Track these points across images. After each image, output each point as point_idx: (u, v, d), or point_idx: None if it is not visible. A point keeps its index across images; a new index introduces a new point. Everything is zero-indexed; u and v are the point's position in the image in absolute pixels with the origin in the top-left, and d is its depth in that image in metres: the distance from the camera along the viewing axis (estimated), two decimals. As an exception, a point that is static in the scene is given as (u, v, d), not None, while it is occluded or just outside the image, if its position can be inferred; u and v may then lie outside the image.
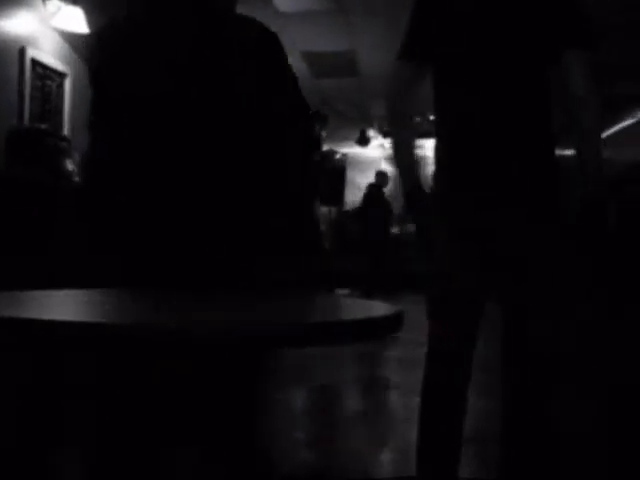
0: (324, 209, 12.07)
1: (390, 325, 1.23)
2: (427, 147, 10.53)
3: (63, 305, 1.41)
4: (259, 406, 1.99)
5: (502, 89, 1.95)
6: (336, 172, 12.16)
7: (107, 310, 1.36)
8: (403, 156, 2.12)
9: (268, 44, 1.80)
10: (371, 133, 13.00)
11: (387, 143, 14.05)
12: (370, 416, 3.69)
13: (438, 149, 2.09)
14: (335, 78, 9.44)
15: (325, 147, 11.30)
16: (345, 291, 10.74)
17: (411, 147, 2.13)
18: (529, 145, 1.96)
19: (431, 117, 11.07)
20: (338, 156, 12.98)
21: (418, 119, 10.29)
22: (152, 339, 1.00)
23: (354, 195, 13.43)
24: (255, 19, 1.83)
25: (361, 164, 15.13)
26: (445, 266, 2.06)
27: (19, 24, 4.27)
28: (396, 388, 4.39)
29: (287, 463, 2.86)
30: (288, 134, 1.82)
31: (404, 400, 3.91)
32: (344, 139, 13.02)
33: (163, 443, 1.79)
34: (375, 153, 15.12)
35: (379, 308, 1.35)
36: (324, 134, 10.14)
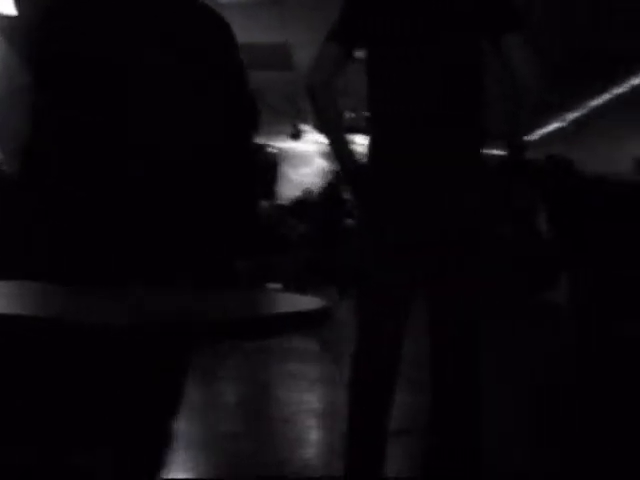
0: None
1: (316, 319, 1.21)
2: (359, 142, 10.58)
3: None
4: (181, 401, 1.95)
5: (433, 75, 1.95)
6: (269, 166, 12.13)
7: (29, 303, 1.31)
8: (332, 130, 2.13)
9: (220, 27, 1.79)
10: (305, 128, 12.97)
11: (322, 138, 14.07)
12: (298, 411, 3.66)
13: (371, 136, 2.08)
14: (268, 71, 9.38)
15: (257, 141, 11.23)
16: (278, 285, 10.71)
17: (340, 123, 2.13)
18: (458, 133, 1.96)
19: (365, 113, 11.13)
20: (271, 150, 12.94)
21: (353, 115, 10.33)
22: (69, 331, 0.97)
23: (288, 190, 13.45)
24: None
25: (295, 159, 15.13)
26: (371, 260, 2.05)
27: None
28: (324, 383, 4.38)
29: (214, 456, 2.82)
30: (231, 121, 1.81)
31: (332, 395, 3.90)
32: (278, 133, 12.97)
33: (80, 439, 1.74)
34: (309, 148, 15.13)
35: (305, 302, 1.34)
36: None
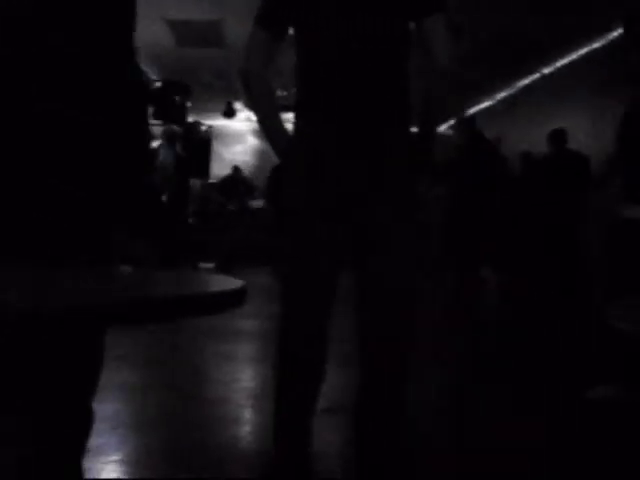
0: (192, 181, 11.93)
1: (232, 300, 1.21)
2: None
3: None
4: (97, 380, 1.93)
5: (358, 55, 1.95)
6: (202, 144, 12.01)
7: None
8: (264, 109, 2.11)
9: None
10: (237, 106, 12.87)
11: (253, 116, 13.97)
12: (226, 391, 3.67)
13: (297, 112, 2.07)
14: (200, 48, 9.26)
15: (190, 119, 11.10)
16: (210, 265, 10.65)
17: (274, 108, 2.11)
18: (383, 110, 1.98)
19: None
20: (203, 128, 12.80)
21: (285, 93, 10.27)
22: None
23: (220, 168, 13.34)
24: None
25: (227, 137, 15.01)
26: (296, 231, 2.04)
27: None
28: (258, 362, 4.39)
29: (145, 437, 2.80)
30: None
31: (266, 374, 3.92)
32: (210, 111, 12.84)
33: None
34: (242, 126, 15.02)
35: (222, 282, 1.34)
36: (188, 104, 9.95)
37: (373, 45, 1.94)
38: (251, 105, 2.14)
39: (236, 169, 12.27)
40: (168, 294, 1.23)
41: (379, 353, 2.00)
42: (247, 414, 3.27)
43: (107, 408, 3.08)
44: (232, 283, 1.29)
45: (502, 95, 10.85)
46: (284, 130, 2.08)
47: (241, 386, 3.77)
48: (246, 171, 14.10)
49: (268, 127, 2.11)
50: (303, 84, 2.04)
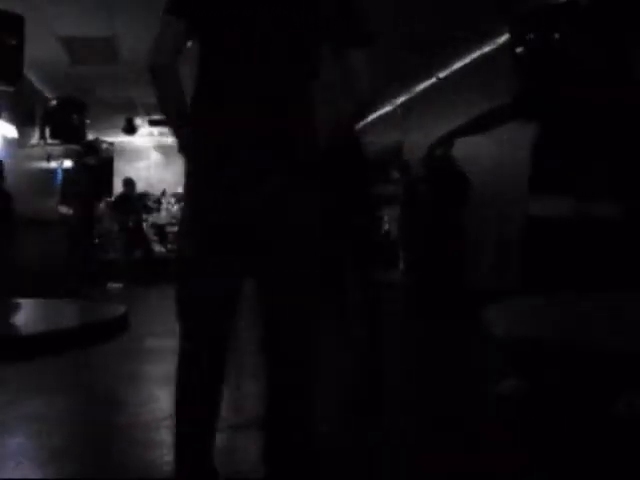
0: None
1: (115, 328, 1.20)
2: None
3: None
4: None
5: (264, 67, 1.93)
6: (103, 163, 11.71)
7: None
8: (171, 104, 2.02)
9: None
10: (138, 121, 12.67)
11: (156, 131, 13.79)
12: (139, 414, 3.59)
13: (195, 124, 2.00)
14: (95, 65, 9.07)
15: (90, 136, 10.86)
16: (118, 285, 10.44)
17: (183, 105, 2.00)
18: (286, 127, 1.93)
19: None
20: (105, 146, 12.52)
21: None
22: None
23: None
24: None
25: (130, 153, 14.77)
26: (191, 252, 1.97)
27: None
28: (163, 380, 4.31)
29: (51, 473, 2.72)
30: None
31: (172, 392, 3.85)
32: (111, 128, 12.60)
33: None
34: (144, 142, 14.82)
35: (104, 311, 1.32)
36: (87, 121, 9.73)
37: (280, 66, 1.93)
38: (158, 101, 2.06)
39: (127, 183, 11.75)
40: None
41: (279, 367, 1.98)
42: (162, 436, 3.19)
43: (11, 443, 2.97)
44: (113, 311, 1.27)
45: (401, 100, 11.03)
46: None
47: (155, 407, 3.69)
48: (151, 187, 13.92)
49: (174, 124, 2.04)
50: (203, 85, 1.98)
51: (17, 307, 1.56)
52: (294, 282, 1.96)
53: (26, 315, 1.46)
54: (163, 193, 13.89)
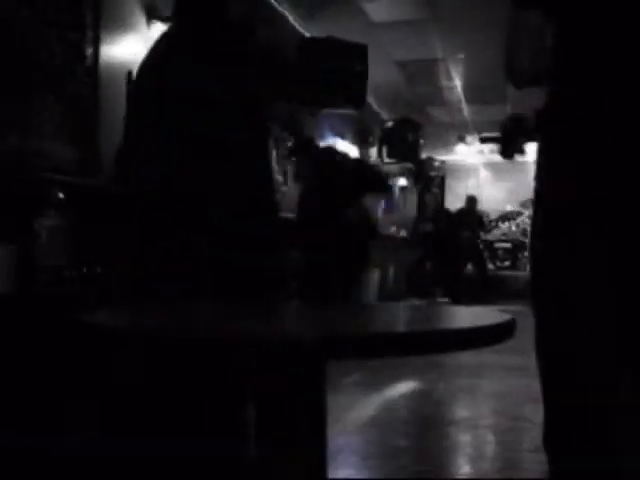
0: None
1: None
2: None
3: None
4: None
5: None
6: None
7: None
8: None
9: None
10: (469, 139, 12.88)
11: (486, 149, 13.91)
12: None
13: None
14: (428, 86, 9.42)
15: (424, 155, 11.28)
16: (445, 300, 10.65)
17: None
18: None
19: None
20: (437, 164, 12.92)
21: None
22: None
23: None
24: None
25: (460, 171, 15.03)
26: None
27: (124, 47, 4.47)
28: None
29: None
30: None
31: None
32: (443, 146, 12.97)
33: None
34: (474, 160, 14.97)
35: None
36: (422, 141, 10.09)
37: None
38: None
39: (469, 200, 12.14)
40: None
41: None
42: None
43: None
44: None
45: None
46: None
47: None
48: (480, 204, 14.03)
49: None
50: None
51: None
52: None
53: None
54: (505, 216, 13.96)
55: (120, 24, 4.40)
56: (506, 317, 1.26)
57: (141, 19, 4.64)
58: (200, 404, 1.87)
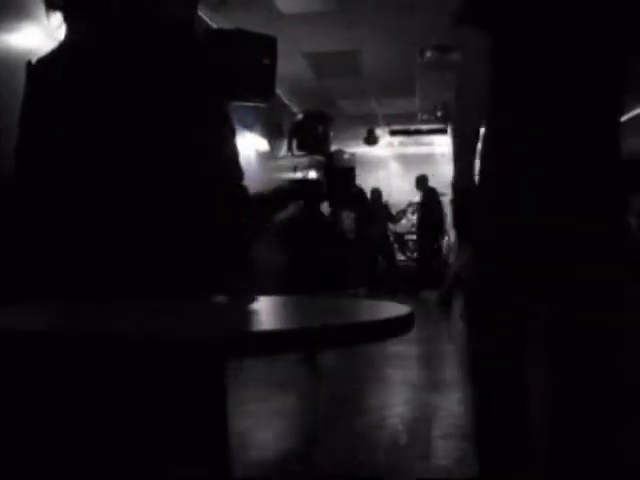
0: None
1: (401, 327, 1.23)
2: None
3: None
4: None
5: None
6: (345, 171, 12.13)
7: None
8: None
9: None
10: (379, 132, 13.00)
11: (396, 141, 14.05)
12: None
13: None
14: (338, 78, 9.44)
15: (333, 147, 11.29)
16: (363, 289, 10.71)
17: None
18: None
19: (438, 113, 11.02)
20: (347, 156, 12.97)
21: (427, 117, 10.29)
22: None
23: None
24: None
25: (370, 163, 15.15)
26: None
27: (22, 37, 4.31)
28: None
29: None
30: None
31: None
32: (352, 139, 13.04)
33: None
34: (384, 152, 15.12)
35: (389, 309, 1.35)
36: (331, 134, 10.12)
37: None
38: None
39: (373, 193, 12.19)
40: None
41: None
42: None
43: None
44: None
45: None
46: None
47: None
48: (389, 196, 14.17)
49: None
50: None
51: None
52: None
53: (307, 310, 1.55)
54: (409, 204, 14.11)
55: (16, 13, 4.23)
56: (405, 310, 1.26)
57: (40, 9, 4.48)
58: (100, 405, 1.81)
